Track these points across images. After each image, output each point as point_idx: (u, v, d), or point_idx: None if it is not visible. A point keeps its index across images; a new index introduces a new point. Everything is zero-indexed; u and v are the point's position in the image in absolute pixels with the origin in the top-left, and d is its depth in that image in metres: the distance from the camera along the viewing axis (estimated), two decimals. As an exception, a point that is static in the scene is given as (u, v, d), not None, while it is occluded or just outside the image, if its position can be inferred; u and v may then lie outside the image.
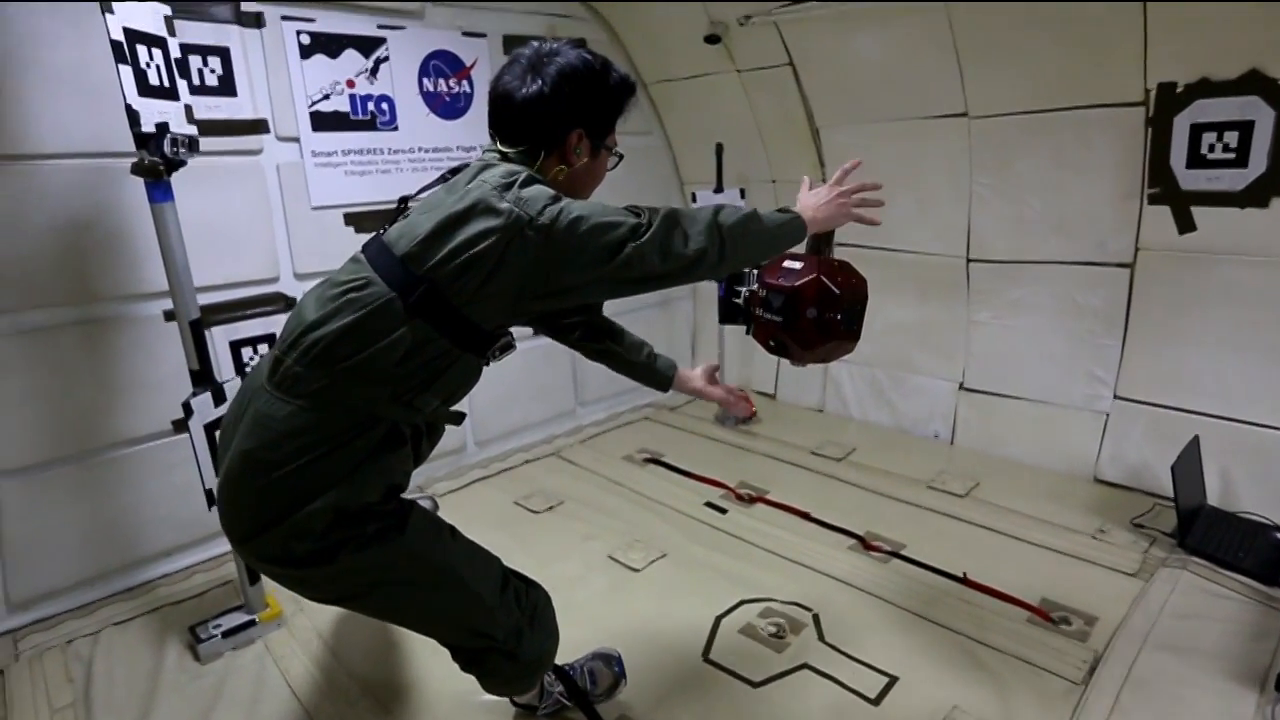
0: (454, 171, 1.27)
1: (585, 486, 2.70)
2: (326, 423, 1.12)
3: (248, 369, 2.31)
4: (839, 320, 1.39)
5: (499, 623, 1.32)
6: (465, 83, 2.76)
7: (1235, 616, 1.83)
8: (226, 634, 1.87)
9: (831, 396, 3.30)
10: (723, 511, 2.47)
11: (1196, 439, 2.22)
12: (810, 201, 1.38)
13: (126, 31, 1.54)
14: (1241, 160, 2.08)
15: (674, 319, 3.72)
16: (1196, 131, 2.13)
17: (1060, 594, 1.96)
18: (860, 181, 1.41)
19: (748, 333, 1.56)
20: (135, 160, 1.62)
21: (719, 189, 3.07)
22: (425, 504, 1.99)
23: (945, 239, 2.79)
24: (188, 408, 1.73)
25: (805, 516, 2.42)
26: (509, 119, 1.23)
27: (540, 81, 1.20)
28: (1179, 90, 2.12)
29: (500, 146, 1.25)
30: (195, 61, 2.09)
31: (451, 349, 1.17)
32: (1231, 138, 2.08)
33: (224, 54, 2.16)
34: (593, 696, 1.61)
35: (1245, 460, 2.26)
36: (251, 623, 1.92)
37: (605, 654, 1.68)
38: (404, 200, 1.30)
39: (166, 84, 1.64)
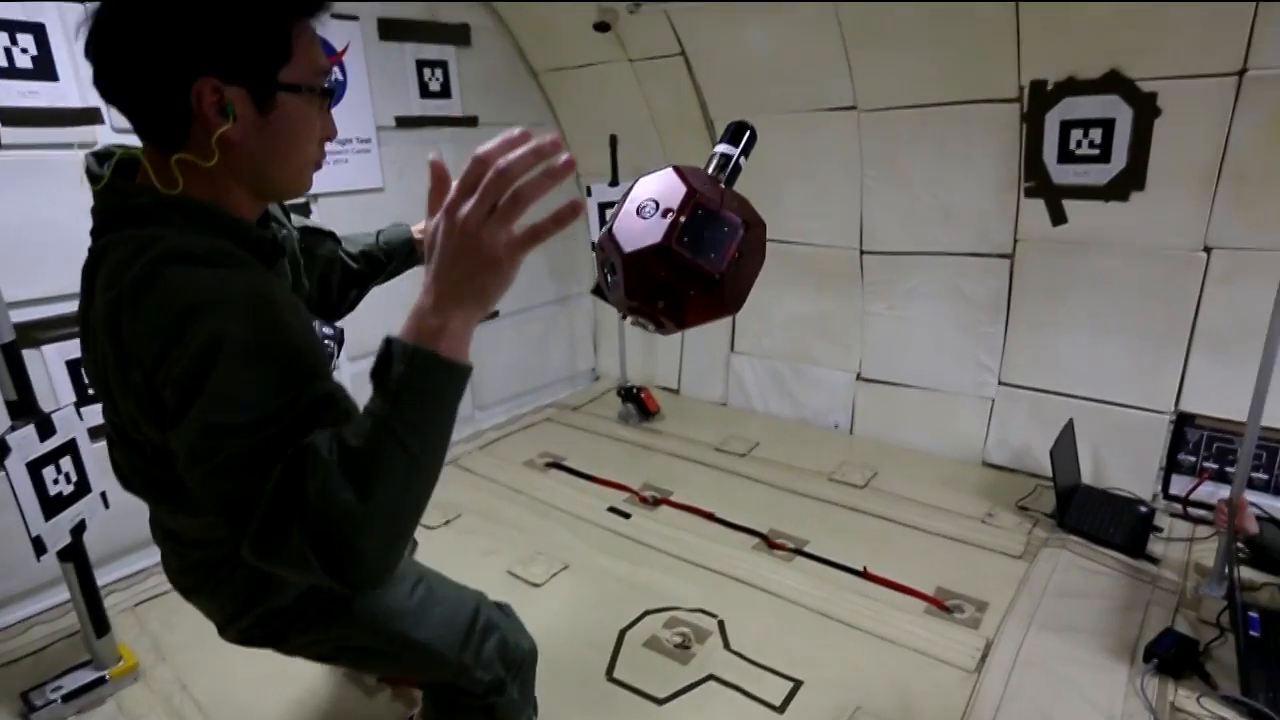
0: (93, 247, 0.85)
1: (484, 496, 2.58)
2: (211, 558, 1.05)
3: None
4: (679, 223, 0.93)
5: (476, 679, 1.21)
6: (337, 70, 2.54)
7: (1108, 591, 1.93)
8: (68, 697, 1.65)
9: (734, 389, 3.30)
10: (626, 516, 2.41)
11: (1071, 422, 2.34)
12: (430, 293, 0.67)
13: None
14: (1105, 156, 2.18)
15: (574, 315, 3.62)
16: (1066, 128, 2.22)
17: (953, 581, 2.02)
18: (500, 164, 0.64)
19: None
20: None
21: (614, 182, 2.98)
22: None
23: (839, 231, 2.82)
24: (3, 445, 1.50)
25: (709, 517, 2.39)
26: (101, 87, 0.80)
27: (106, 9, 0.76)
28: (1049, 88, 2.20)
29: (110, 162, 0.85)
30: (0, 39, 1.81)
31: None
32: (1096, 134, 2.17)
33: (38, 30, 1.87)
34: None
35: (1114, 439, 2.41)
36: (101, 680, 1.70)
37: None
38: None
39: (-48, 68, 1.40)
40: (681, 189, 0.95)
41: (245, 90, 0.78)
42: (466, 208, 0.66)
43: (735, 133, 1.11)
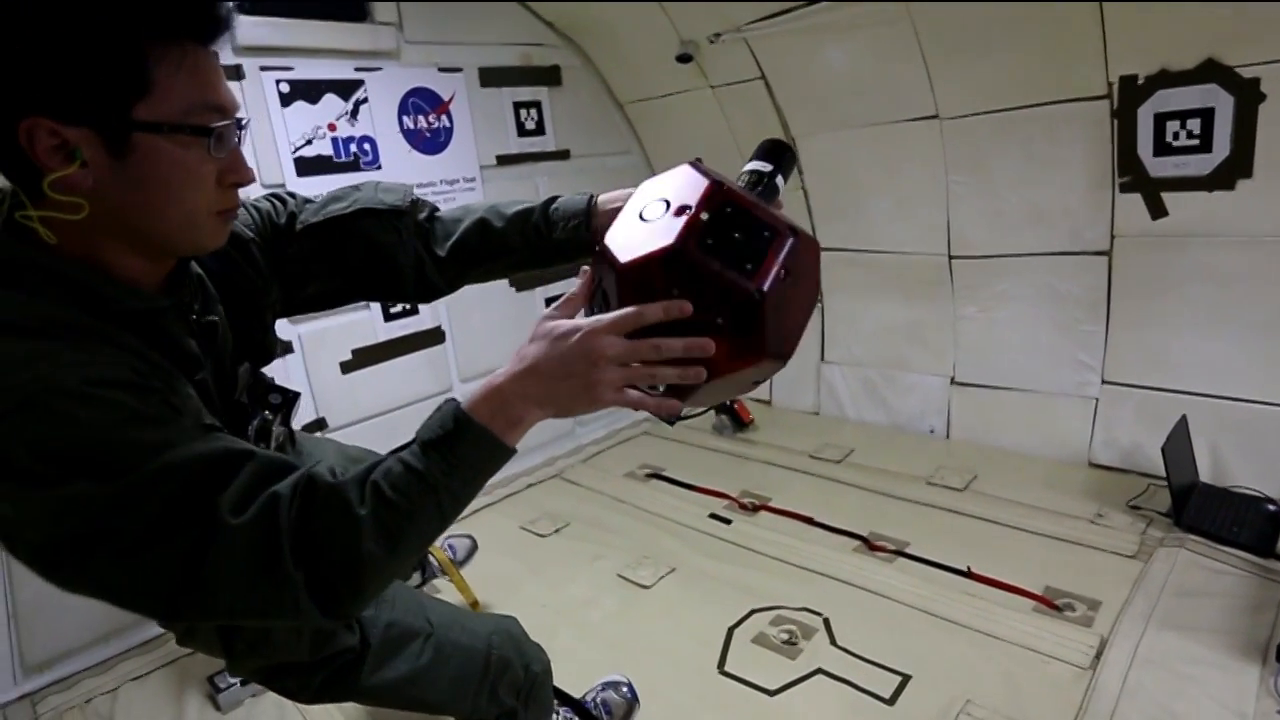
0: None
1: (590, 506, 2.72)
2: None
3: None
4: (699, 221, 0.68)
5: (487, 713, 1.27)
6: (445, 118, 2.81)
7: (1234, 591, 1.87)
8: (245, 681, 1.88)
9: (826, 399, 3.34)
10: (727, 522, 2.50)
11: (1184, 418, 2.27)
12: (519, 382, 0.70)
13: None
14: (1206, 146, 2.14)
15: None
16: (1160, 121, 2.19)
17: (1063, 580, 2.00)
18: (666, 348, 0.67)
19: None
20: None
21: (701, 203, 3.11)
22: (464, 542, 1.89)
23: (926, 238, 2.84)
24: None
25: (809, 521, 2.45)
26: None
27: None
28: (1140, 82, 2.17)
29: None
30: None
31: None
32: (1194, 125, 2.13)
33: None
34: None
35: (1234, 436, 2.31)
36: (269, 668, 1.93)
37: (613, 681, 1.69)
38: None
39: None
40: (703, 182, 0.70)
41: (91, 131, 0.65)
42: (612, 343, 0.67)
43: (770, 150, 0.88)
